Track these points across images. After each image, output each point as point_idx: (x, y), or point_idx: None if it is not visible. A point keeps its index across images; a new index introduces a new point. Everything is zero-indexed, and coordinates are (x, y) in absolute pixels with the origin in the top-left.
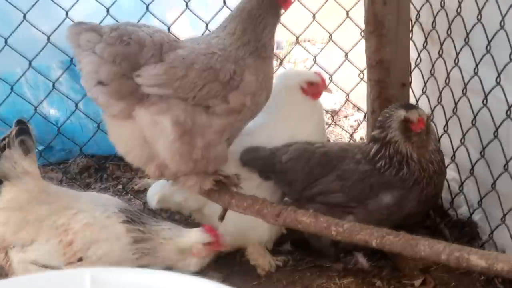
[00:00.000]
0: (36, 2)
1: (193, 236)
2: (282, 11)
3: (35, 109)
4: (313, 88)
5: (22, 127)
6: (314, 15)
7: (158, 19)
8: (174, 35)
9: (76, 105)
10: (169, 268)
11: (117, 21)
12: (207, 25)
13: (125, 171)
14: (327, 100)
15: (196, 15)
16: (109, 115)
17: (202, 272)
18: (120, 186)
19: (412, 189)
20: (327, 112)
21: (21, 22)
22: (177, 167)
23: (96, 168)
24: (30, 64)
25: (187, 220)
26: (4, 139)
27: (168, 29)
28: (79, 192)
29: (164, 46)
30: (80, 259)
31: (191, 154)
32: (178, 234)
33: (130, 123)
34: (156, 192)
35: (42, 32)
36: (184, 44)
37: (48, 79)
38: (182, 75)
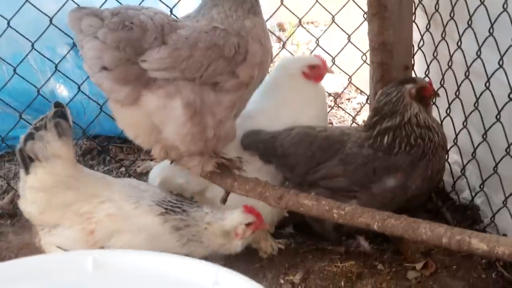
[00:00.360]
0: None
1: (236, 218)
2: None
3: (38, 91)
4: (315, 71)
5: (59, 110)
6: None
7: (162, 1)
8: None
9: (79, 87)
10: (213, 252)
11: (120, 3)
12: None
13: (127, 153)
14: (330, 83)
15: None
16: (114, 100)
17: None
18: (123, 169)
19: (417, 165)
20: (329, 95)
21: (24, 3)
22: (188, 148)
23: (99, 150)
24: (32, 46)
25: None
26: (42, 119)
27: (171, 11)
28: (114, 180)
29: (165, 28)
30: (102, 248)
31: (202, 134)
32: (221, 217)
33: (137, 108)
34: (158, 174)
35: (45, 14)
36: (184, 23)
37: (51, 61)
38: (187, 56)
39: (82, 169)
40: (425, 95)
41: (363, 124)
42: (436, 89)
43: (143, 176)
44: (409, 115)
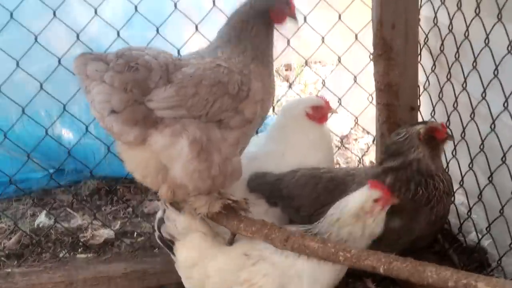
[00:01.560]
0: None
1: (358, 196)
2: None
3: (46, 132)
4: (319, 111)
5: None
6: (323, 37)
7: (169, 42)
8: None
9: (87, 128)
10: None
11: (127, 43)
12: None
13: (135, 193)
14: (337, 124)
15: (205, 37)
16: (123, 143)
17: None
18: (130, 209)
19: (422, 210)
20: (336, 135)
21: (32, 44)
22: (195, 185)
23: (106, 190)
24: (41, 86)
25: None
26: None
27: (178, 52)
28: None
29: (170, 67)
30: None
31: (209, 170)
32: (344, 204)
33: (145, 148)
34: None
35: (54, 54)
36: (188, 61)
37: (59, 101)
38: (193, 94)
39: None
40: (436, 137)
41: (371, 164)
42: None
43: (150, 216)
44: (411, 158)
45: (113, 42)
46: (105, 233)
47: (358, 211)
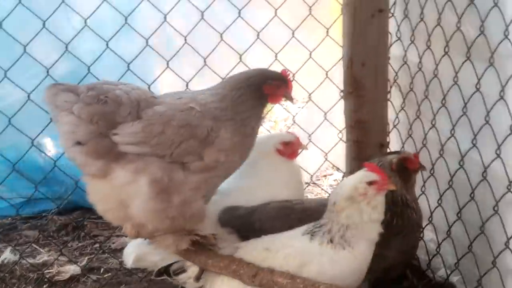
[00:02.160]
0: (18, 59)
1: (352, 179)
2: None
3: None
4: (289, 147)
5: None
6: (293, 75)
7: (139, 78)
8: (153, 92)
9: (55, 162)
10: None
11: (98, 79)
12: (187, 84)
13: (103, 229)
14: (306, 160)
15: (176, 74)
16: (86, 174)
17: None
18: (97, 245)
19: (394, 238)
20: (306, 172)
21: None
22: (154, 225)
23: (73, 226)
24: (9, 121)
25: None
26: None
27: (149, 87)
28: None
29: (142, 103)
30: None
31: (167, 212)
32: (338, 188)
33: (107, 182)
34: (133, 251)
35: (23, 89)
36: (162, 100)
37: (28, 137)
38: (159, 132)
39: None
40: (408, 167)
41: None
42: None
43: (117, 252)
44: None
45: (83, 78)
46: (71, 269)
47: (352, 193)
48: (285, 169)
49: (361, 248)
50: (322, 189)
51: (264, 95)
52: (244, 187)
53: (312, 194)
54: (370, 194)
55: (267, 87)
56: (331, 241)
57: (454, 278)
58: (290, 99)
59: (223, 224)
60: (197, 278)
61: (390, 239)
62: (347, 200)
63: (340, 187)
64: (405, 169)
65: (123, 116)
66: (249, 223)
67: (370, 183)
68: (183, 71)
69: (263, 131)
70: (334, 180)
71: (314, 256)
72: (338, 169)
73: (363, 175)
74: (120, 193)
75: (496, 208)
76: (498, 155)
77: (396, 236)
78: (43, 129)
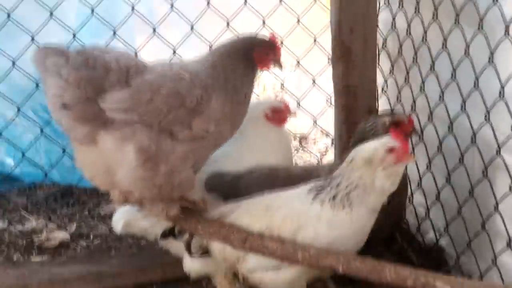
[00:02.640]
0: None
1: (374, 142)
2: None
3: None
4: (278, 114)
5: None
6: (282, 40)
7: (126, 43)
8: (142, 60)
9: (42, 130)
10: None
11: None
12: (174, 51)
13: (91, 196)
14: (296, 125)
15: (163, 40)
16: (74, 140)
17: None
18: (86, 211)
19: None
20: (295, 137)
21: None
22: (140, 193)
23: (62, 193)
24: None
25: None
26: None
27: (136, 54)
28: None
29: (131, 70)
30: None
31: (153, 180)
32: (360, 148)
33: (95, 148)
34: (121, 217)
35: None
36: (153, 68)
37: (13, 102)
38: (148, 100)
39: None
40: (402, 130)
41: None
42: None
43: (106, 219)
44: None
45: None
46: (60, 236)
47: (370, 156)
48: (274, 135)
49: (360, 213)
50: (312, 154)
51: (254, 61)
52: (232, 153)
53: (301, 159)
54: (387, 162)
55: (256, 53)
56: (334, 198)
57: (443, 242)
58: (279, 64)
59: (210, 190)
60: (188, 243)
61: None
62: (364, 161)
63: (362, 147)
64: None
65: (111, 83)
66: (235, 189)
67: (390, 151)
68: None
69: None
70: (323, 145)
71: (311, 221)
72: (327, 134)
73: (385, 141)
74: (107, 159)
75: (485, 173)
76: (487, 120)
77: None
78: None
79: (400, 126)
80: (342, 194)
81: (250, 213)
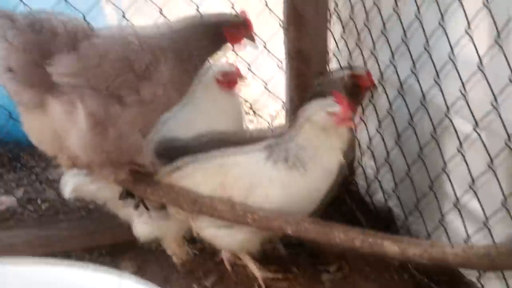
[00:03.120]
0: None
1: (316, 104)
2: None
3: None
4: (228, 78)
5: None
6: (232, 4)
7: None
8: (91, 25)
9: None
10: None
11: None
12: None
13: (39, 160)
14: (247, 90)
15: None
16: (20, 104)
17: (115, 261)
18: (33, 176)
19: None
20: (246, 102)
21: None
22: (90, 158)
23: (9, 157)
24: None
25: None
26: None
27: (84, 18)
28: (237, 149)
29: (79, 35)
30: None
31: (103, 145)
32: (306, 108)
33: (41, 113)
34: (70, 181)
35: None
36: (101, 33)
37: None
38: (95, 65)
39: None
40: (359, 85)
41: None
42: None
43: (55, 183)
44: None
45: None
46: (8, 201)
47: (313, 118)
48: (225, 100)
49: (314, 174)
50: (263, 118)
51: (222, 38)
52: (182, 117)
53: (252, 124)
54: (330, 124)
55: (226, 29)
56: (286, 160)
57: (392, 203)
58: (252, 39)
59: (160, 155)
60: (136, 206)
61: None
62: (309, 122)
63: (306, 108)
64: (355, 86)
65: (58, 47)
66: (185, 154)
67: (331, 114)
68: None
69: None
70: (274, 111)
71: (263, 180)
72: (278, 99)
73: (326, 104)
74: (55, 124)
75: (434, 135)
76: (437, 83)
77: None
78: None
79: (359, 80)
80: (293, 155)
81: (205, 169)
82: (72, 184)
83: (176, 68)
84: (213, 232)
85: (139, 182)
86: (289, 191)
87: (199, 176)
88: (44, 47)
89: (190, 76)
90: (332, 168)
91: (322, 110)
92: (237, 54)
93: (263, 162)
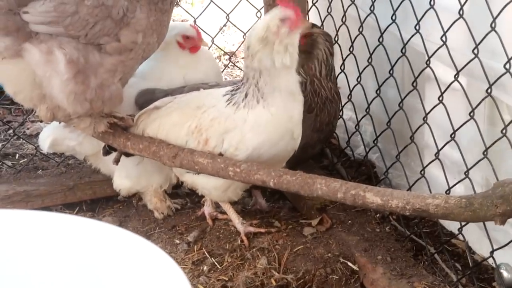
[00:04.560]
0: None
1: (265, 17)
2: None
3: None
4: (189, 41)
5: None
6: None
7: None
8: None
9: None
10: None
11: None
12: None
13: (16, 115)
14: (225, 42)
15: None
16: None
17: (96, 217)
18: (11, 131)
19: (305, 116)
20: (225, 53)
21: None
22: (73, 108)
23: None
24: None
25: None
26: None
27: None
28: (213, 90)
29: None
30: (221, 155)
31: (85, 93)
32: (252, 29)
33: (18, 61)
34: (48, 135)
35: None
36: None
37: None
38: (73, 12)
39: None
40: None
41: None
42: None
43: (33, 138)
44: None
45: None
46: None
47: (264, 33)
48: (189, 59)
49: (276, 101)
50: (242, 70)
51: None
52: (161, 70)
53: (231, 76)
54: (283, 32)
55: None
56: (246, 95)
57: (373, 156)
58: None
59: (140, 106)
60: (116, 160)
61: (303, 117)
62: (259, 41)
63: (253, 29)
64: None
65: None
66: None
67: (283, 20)
68: None
69: (180, 13)
70: None
71: (236, 124)
72: None
73: (276, 12)
74: (34, 73)
75: (414, 84)
76: (418, 31)
77: (307, 114)
78: None
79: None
80: (252, 88)
81: (182, 110)
82: (51, 138)
83: (151, 12)
84: (193, 178)
85: (119, 135)
86: (261, 129)
87: (176, 117)
88: None
89: (166, 16)
90: (293, 90)
91: (275, 19)
92: (215, 4)
93: (226, 106)
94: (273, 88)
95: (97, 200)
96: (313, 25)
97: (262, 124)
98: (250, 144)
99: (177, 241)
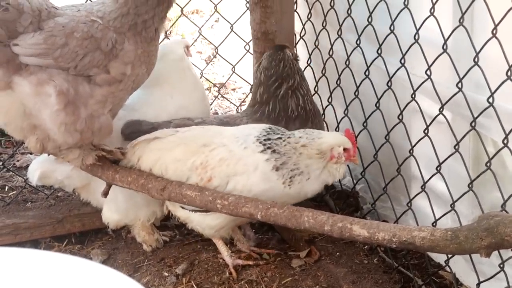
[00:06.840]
0: None
1: (336, 137)
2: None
3: None
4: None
5: None
6: None
7: None
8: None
9: None
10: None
11: None
12: None
13: (6, 147)
14: (215, 73)
15: None
16: None
17: (85, 249)
18: (0, 163)
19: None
20: (214, 85)
21: None
22: (63, 139)
23: None
24: None
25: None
26: None
27: None
28: (224, 128)
29: (43, 13)
30: None
31: (75, 124)
32: (318, 136)
33: (9, 93)
34: (37, 168)
35: None
36: (63, 12)
37: None
38: (62, 44)
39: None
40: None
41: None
42: (317, 79)
43: (22, 170)
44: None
45: None
46: None
47: (326, 150)
48: (190, 81)
49: (296, 191)
50: (231, 102)
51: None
52: (151, 102)
53: (221, 108)
54: (340, 160)
55: None
56: (277, 169)
57: (360, 187)
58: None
59: (126, 137)
60: (105, 193)
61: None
62: (319, 152)
63: (318, 136)
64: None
65: (24, 26)
66: None
67: (345, 150)
68: None
69: None
70: (243, 94)
71: (248, 169)
72: (246, 81)
73: (343, 140)
74: (24, 105)
75: (400, 117)
76: (403, 64)
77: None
78: None
79: None
80: (286, 172)
81: (186, 147)
82: (40, 171)
83: (139, 44)
84: (188, 215)
85: (108, 168)
86: (268, 186)
87: (179, 153)
88: (9, 25)
89: (153, 45)
90: (310, 194)
91: (341, 146)
92: (204, 37)
93: (252, 152)
94: (302, 187)
95: (86, 232)
96: (285, 46)
97: (272, 188)
98: (254, 191)
99: (166, 274)
